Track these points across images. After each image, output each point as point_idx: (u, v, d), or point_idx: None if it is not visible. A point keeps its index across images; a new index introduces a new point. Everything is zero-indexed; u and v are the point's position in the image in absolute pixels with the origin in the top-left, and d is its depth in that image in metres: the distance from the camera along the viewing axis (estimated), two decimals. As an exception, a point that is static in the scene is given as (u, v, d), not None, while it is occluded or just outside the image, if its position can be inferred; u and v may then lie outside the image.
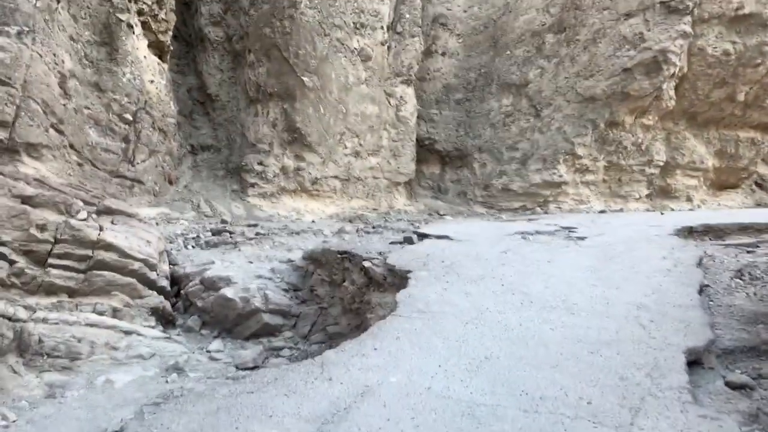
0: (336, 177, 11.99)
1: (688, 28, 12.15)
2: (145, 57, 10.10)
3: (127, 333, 5.28)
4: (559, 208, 13.79)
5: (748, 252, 5.94)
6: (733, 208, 16.22)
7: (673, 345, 2.94)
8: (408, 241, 5.83)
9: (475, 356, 2.79)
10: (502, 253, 5.15)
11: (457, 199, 13.88)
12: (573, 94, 12.82)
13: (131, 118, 9.70)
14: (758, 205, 17.29)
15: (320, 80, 11.45)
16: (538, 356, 2.78)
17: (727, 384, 2.82)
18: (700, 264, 4.99)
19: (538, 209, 13.48)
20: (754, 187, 18.07)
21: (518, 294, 3.85)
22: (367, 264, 4.96)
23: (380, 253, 5.30)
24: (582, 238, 6.05)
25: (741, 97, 14.23)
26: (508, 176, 13.42)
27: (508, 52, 13.54)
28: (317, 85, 11.41)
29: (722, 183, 16.65)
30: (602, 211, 12.22)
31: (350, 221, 11.18)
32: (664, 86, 12.90)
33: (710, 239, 6.86)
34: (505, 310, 3.51)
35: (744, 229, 6.98)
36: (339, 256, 5.58)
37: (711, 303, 4.07)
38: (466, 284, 4.07)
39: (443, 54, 14.01)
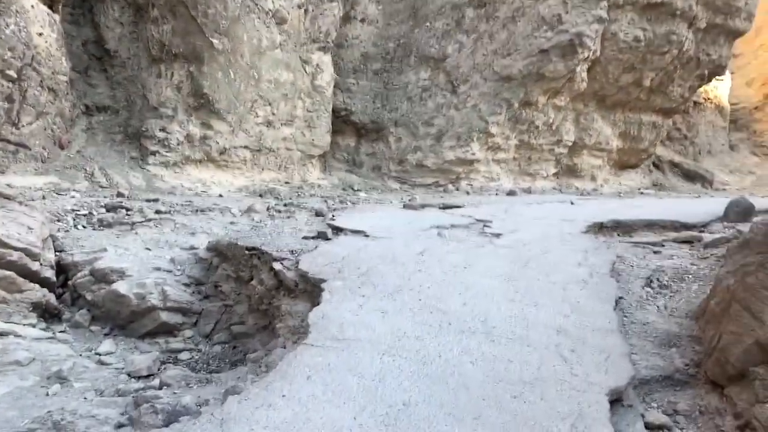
0: (246, 147, 11.42)
1: (603, 14, 12.33)
2: (32, 6, 9.08)
3: (2, 335, 4.72)
4: (471, 184, 13.90)
5: (655, 253, 6.09)
6: (633, 190, 17.01)
7: (595, 384, 2.86)
8: (322, 236, 5.53)
9: (392, 402, 2.58)
10: (418, 254, 4.97)
11: (371, 174, 13.64)
12: (490, 72, 12.78)
13: (15, 76, 8.76)
14: (654, 184, 18.24)
15: (231, 42, 10.73)
16: (460, 403, 2.61)
17: (647, 426, 2.78)
18: (613, 270, 5.03)
19: (450, 186, 13.51)
20: (651, 167, 19.02)
21: (436, 312, 3.68)
22: (277, 266, 4.64)
23: (292, 252, 4.98)
24: (497, 235, 5.98)
25: (647, 82, 14.74)
26: (422, 152, 13.30)
27: (428, 24, 13.26)
28: (227, 47, 10.69)
29: (624, 163, 17.38)
30: (511, 192, 12.39)
31: (261, 196, 10.71)
32: (578, 69, 13.11)
33: (619, 235, 7.02)
34: (423, 335, 3.32)
35: (650, 225, 7.18)
36: (247, 252, 5.21)
37: (625, 319, 4.08)
38: (383, 299, 3.85)
39: (362, 21, 13.52)
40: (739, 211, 7.42)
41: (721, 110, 21.60)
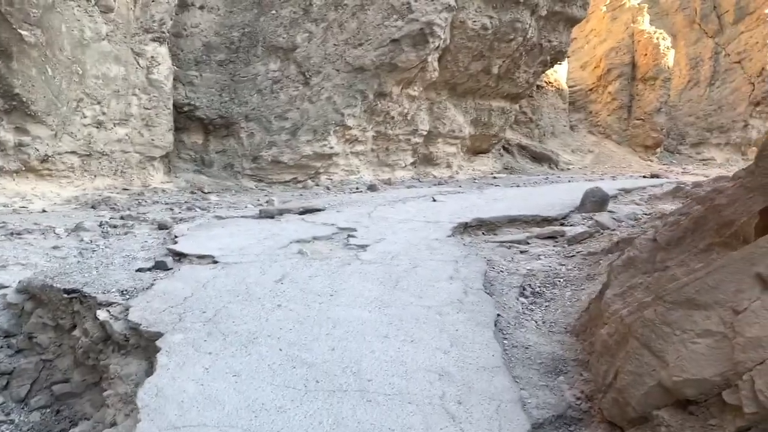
0: (74, 152, 10.03)
1: (452, 1, 12.26)
2: None
3: None
4: (330, 179, 13.42)
5: (522, 252, 5.94)
6: (486, 174, 17.41)
7: (491, 452, 2.45)
8: (161, 266, 4.70)
9: None
10: (277, 283, 4.34)
11: (223, 173, 12.66)
12: (342, 62, 12.28)
13: None
14: (506, 168, 18.86)
15: (45, 34, 9.27)
16: None
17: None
18: (486, 280, 4.74)
19: (310, 182, 12.94)
20: (502, 151, 19.64)
21: (300, 366, 3.10)
22: (103, 315, 3.80)
23: (123, 293, 4.15)
24: (363, 247, 5.50)
25: (495, 69, 15.00)
26: (278, 147, 12.55)
27: (274, 12, 12.46)
28: (41, 40, 9.22)
29: (476, 149, 17.73)
30: (372, 187, 12.04)
31: (93, 207, 9.43)
32: (429, 58, 12.99)
33: (484, 233, 6.85)
34: (286, 404, 2.74)
35: (513, 221, 7.09)
36: (65, 295, 4.28)
37: (506, 342, 3.76)
38: (235, 354, 3.20)
39: (201, 8, 12.42)
40: (596, 200, 7.56)
41: (561, 93, 22.87)
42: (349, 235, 5.99)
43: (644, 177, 17.84)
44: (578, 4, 15.19)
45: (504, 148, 19.57)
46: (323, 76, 12.44)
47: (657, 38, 22.88)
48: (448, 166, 16.46)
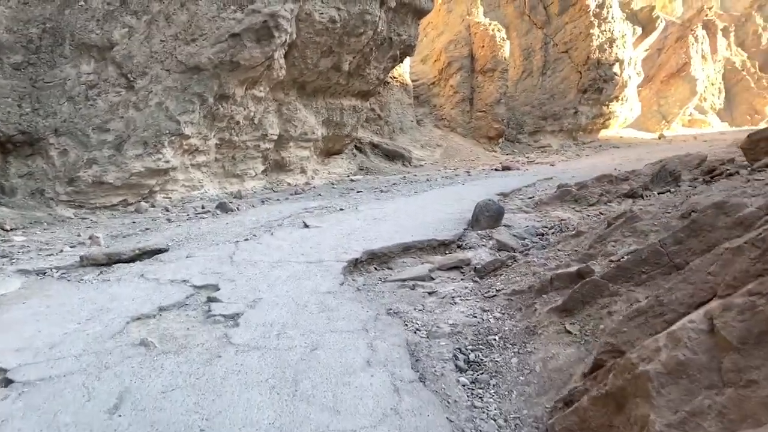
0: None
1: (297, -9, 10.88)
2: None
3: None
4: (169, 197, 11.55)
5: (431, 294, 4.84)
6: (343, 177, 16.32)
7: None
8: None
9: None
10: (111, 416, 2.80)
11: (31, 202, 10.23)
12: (174, 62, 10.42)
13: None
14: (361, 168, 17.91)
15: None
16: None
17: None
18: (411, 355, 3.56)
19: (144, 204, 10.96)
20: (355, 151, 18.67)
21: None
22: None
23: None
24: (233, 319, 4.04)
25: (346, 66, 13.90)
26: (100, 165, 10.40)
27: (82, 3, 10.25)
28: None
29: (329, 150, 16.58)
30: (223, 206, 10.34)
31: None
32: (276, 55, 11.55)
33: (376, 269, 5.65)
34: None
35: (407, 249, 5.97)
36: None
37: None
38: None
39: (-17, -3, 9.87)
40: (491, 215, 6.68)
41: (406, 88, 22.39)
42: (210, 298, 4.46)
43: (496, 169, 17.83)
44: (426, -6, 14.52)
45: (356, 147, 18.59)
46: (151, 78, 10.48)
47: (492, 30, 23.18)
48: (303, 171, 15.10)
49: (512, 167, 17.79)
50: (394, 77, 21.11)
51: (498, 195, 9.14)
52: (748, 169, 7.74)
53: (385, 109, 20.65)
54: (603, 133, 30.52)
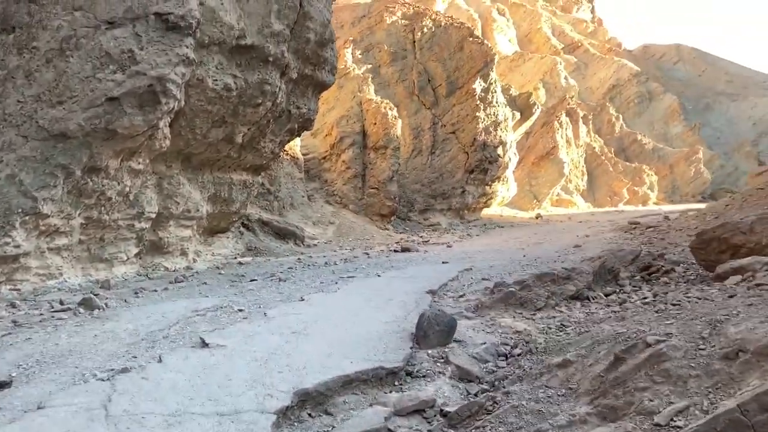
0: None
1: (191, 53, 9.52)
2: None
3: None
4: (18, 289, 9.44)
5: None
6: (230, 260, 14.65)
7: None
8: None
9: None
10: None
11: None
12: (33, 127, 8.59)
13: None
14: (249, 248, 16.30)
15: None
16: None
17: None
18: None
19: (-18, 299, 8.72)
20: (242, 229, 17.09)
21: None
22: None
23: None
24: None
25: (239, 138, 12.58)
26: None
27: None
28: None
29: (214, 229, 14.92)
30: (87, 302, 8.36)
31: None
32: (161, 123, 10.01)
33: (310, 414, 4.22)
34: None
35: (348, 383, 4.60)
36: None
37: None
38: None
39: None
40: (441, 330, 5.50)
41: (297, 161, 21.29)
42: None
43: (395, 251, 16.95)
44: (327, 68, 13.64)
45: (244, 225, 16.99)
46: (2, 145, 8.52)
47: (385, 108, 22.90)
48: (183, 253, 13.25)
49: (411, 248, 16.99)
50: (285, 150, 19.94)
51: (427, 292, 8.04)
52: (702, 271, 7.30)
53: (275, 184, 19.31)
54: (485, 212, 31.04)
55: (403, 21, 26.75)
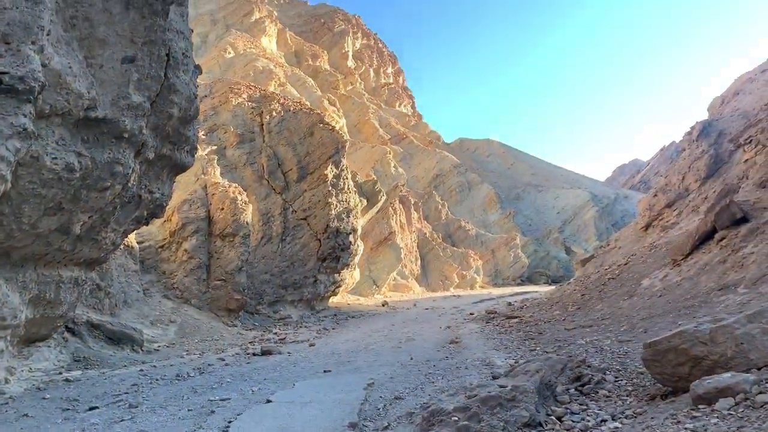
0: None
1: (29, 124, 7.50)
2: None
3: None
4: None
5: None
6: (50, 376, 11.83)
7: None
8: None
9: None
10: None
11: None
12: None
13: None
14: (76, 359, 13.41)
15: None
16: None
17: None
18: None
19: None
20: (66, 335, 14.14)
21: None
22: None
23: None
24: None
25: (77, 228, 10.35)
26: None
27: None
28: None
29: (32, 337, 12.08)
30: None
31: None
32: (-22, 211, 7.68)
33: None
34: None
35: None
36: None
37: None
38: None
39: None
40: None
41: (131, 251, 18.61)
42: None
43: (255, 354, 15.04)
44: (187, 149, 11.92)
45: (68, 329, 14.05)
46: None
47: (234, 192, 21.23)
48: (-8, 374, 10.29)
49: (272, 351, 15.18)
50: (119, 239, 17.31)
51: (348, 427, 6.52)
52: (638, 380, 6.68)
53: (106, 278, 16.51)
54: (332, 300, 29.93)
55: (250, 103, 25.63)
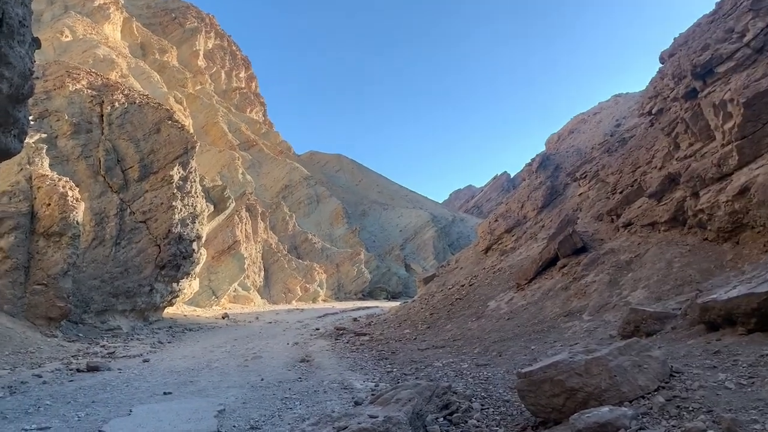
0: None
1: None
2: None
3: None
4: None
5: None
6: None
7: None
8: None
9: None
10: None
11: None
12: None
13: None
14: None
15: None
16: None
17: None
18: None
19: None
20: None
21: None
22: None
23: None
24: None
25: None
26: None
27: None
28: None
29: None
30: None
31: None
32: None
33: None
34: None
35: None
36: None
37: None
38: None
39: None
40: None
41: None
42: None
43: (80, 370, 13.38)
44: (16, 132, 10.24)
45: None
46: None
47: (64, 187, 18.99)
48: None
49: (100, 367, 13.61)
50: None
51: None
52: (506, 409, 6.64)
53: None
54: (167, 311, 27.99)
55: (89, 91, 23.23)
